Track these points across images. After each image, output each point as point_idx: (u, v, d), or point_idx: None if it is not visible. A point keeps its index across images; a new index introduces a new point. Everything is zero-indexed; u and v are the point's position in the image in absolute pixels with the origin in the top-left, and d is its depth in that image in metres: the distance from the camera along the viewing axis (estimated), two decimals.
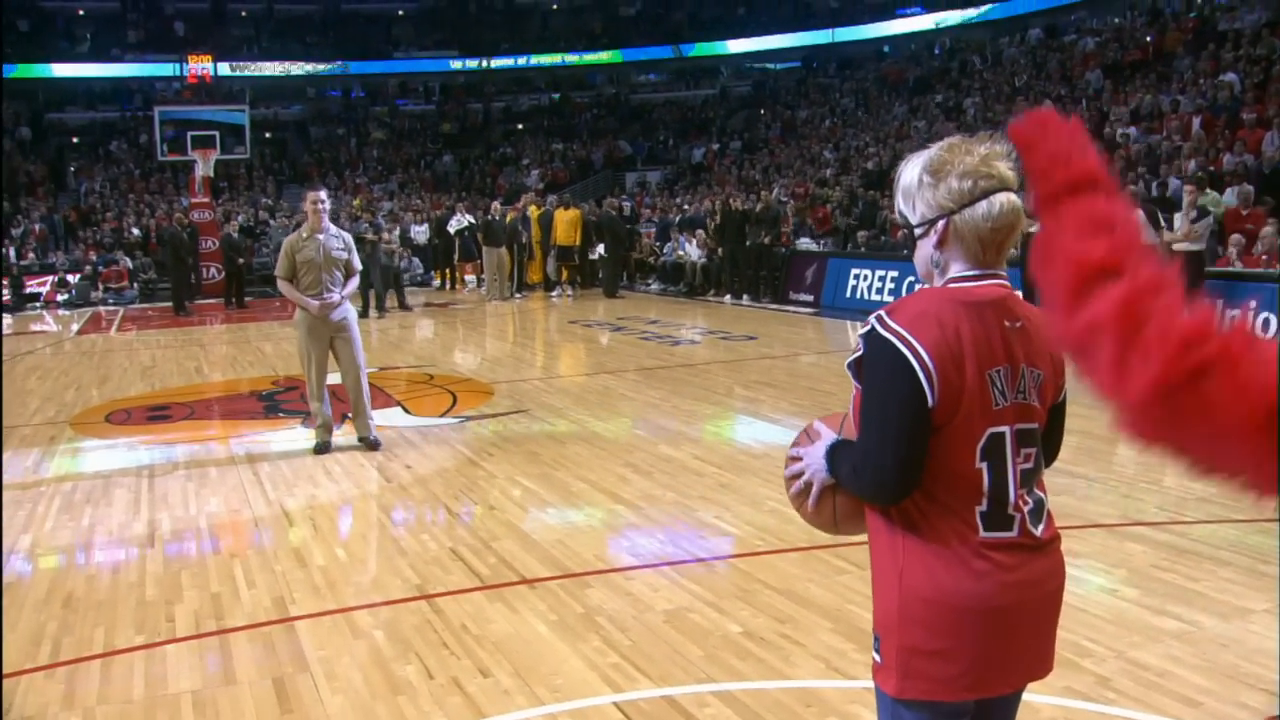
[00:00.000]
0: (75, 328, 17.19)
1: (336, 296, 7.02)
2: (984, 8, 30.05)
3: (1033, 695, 3.07)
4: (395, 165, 33.11)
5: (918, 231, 1.86)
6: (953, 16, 31.03)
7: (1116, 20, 25.38)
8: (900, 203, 1.90)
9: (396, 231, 19.07)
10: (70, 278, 21.50)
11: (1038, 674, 1.89)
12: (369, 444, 7.21)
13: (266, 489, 6.30)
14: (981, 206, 1.78)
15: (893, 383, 1.74)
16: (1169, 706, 3.28)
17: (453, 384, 10.01)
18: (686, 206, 22.18)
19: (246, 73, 34.76)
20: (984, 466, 1.78)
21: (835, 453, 1.88)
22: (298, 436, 7.72)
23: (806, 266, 16.61)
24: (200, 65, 33.45)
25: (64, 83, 33.94)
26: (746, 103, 34.66)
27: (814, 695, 3.43)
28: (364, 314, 15.23)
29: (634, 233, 21.17)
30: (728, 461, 6.61)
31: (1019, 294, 1.88)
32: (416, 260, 22.13)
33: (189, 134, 21.98)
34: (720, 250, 17.72)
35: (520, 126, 36.24)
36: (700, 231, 18.68)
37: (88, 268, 21.90)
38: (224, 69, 34.16)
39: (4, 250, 22.01)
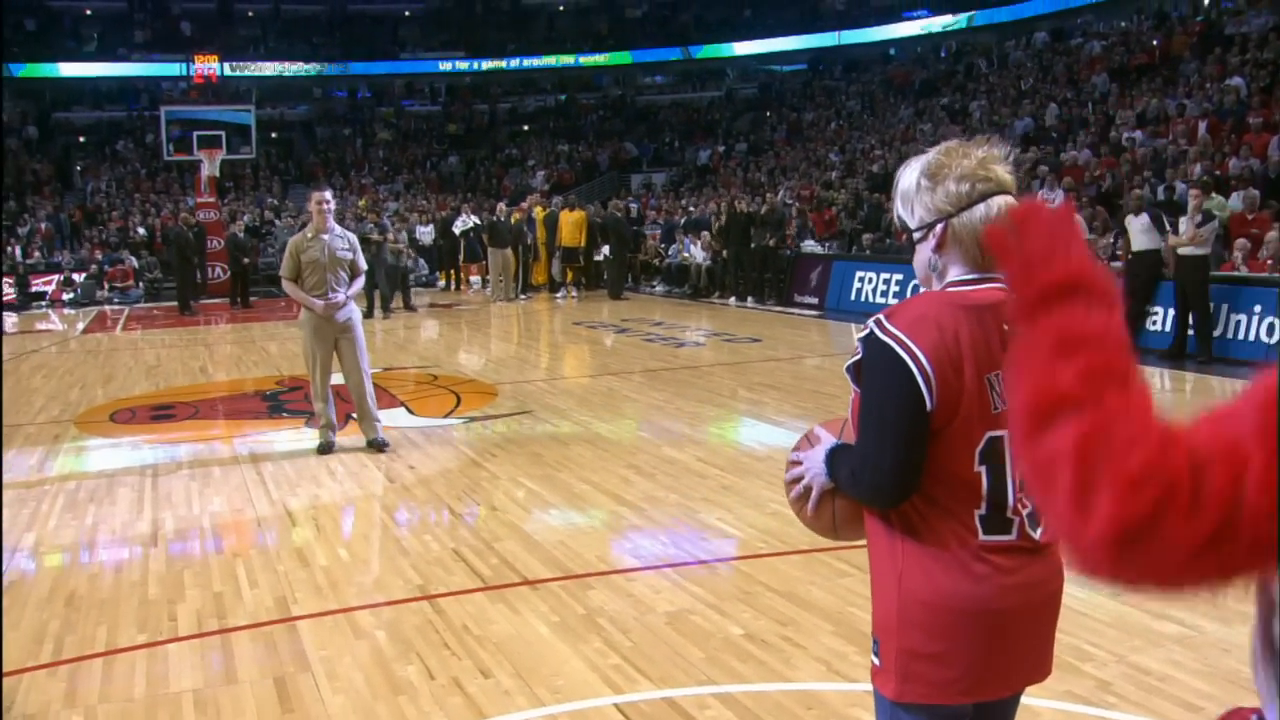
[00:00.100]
0: (80, 327, 17.25)
1: (341, 297, 7.01)
2: (990, 10, 30.00)
3: (1033, 699, 3.07)
4: (401, 166, 33.15)
5: (916, 235, 1.86)
6: (959, 19, 31.00)
7: (1123, 24, 25.37)
8: (899, 207, 1.90)
9: (404, 233, 19.13)
10: (76, 277, 21.59)
11: (1036, 678, 1.89)
12: (376, 446, 7.17)
13: (270, 489, 6.31)
14: (979, 209, 1.78)
15: (891, 386, 1.74)
16: (1170, 711, 3.28)
17: (457, 385, 10.03)
18: (692, 208, 22.17)
19: (252, 73, 34.83)
20: (983, 470, 1.77)
21: (835, 457, 1.88)
22: (301, 436, 7.73)
23: (811, 269, 16.59)
24: (206, 65, 33.57)
25: (70, 82, 34.02)
26: (752, 105, 34.64)
27: (815, 698, 3.43)
28: (369, 314, 15.26)
29: (639, 234, 21.17)
30: (731, 464, 6.61)
31: None
32: (422, 261, 22.16)
33: (195, 134, 22.08)
34: (725, 252, 17.68)
35: (526, 128, 36.26)
36: (705, 233, 18.63)
37: (93, 267, 21.99)
38: (230, 69, 34.25)
39: (10, 249, 22.09)
